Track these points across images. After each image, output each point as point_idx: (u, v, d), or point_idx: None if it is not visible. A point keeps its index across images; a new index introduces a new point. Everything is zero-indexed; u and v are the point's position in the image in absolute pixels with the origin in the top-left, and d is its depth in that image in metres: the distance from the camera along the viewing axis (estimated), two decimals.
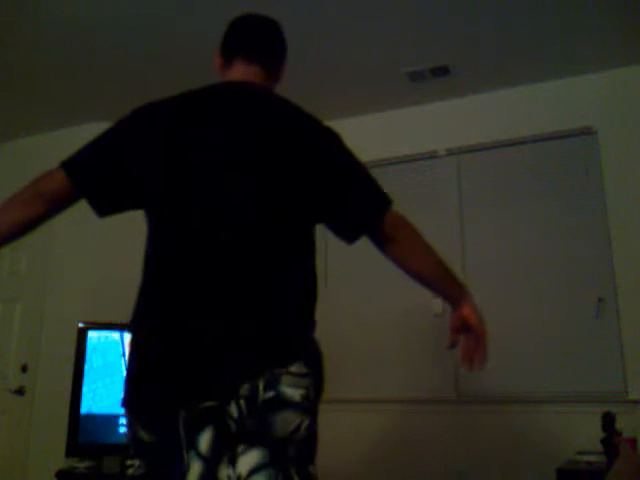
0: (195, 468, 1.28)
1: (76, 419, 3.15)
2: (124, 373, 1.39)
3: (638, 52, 3.39)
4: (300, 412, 1.30)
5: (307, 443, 1.33)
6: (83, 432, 3.15)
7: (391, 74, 3.61)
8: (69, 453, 3.17)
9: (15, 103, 3.98)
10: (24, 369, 4.06)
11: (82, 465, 3.17)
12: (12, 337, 4.20)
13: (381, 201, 1.48)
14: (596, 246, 3.42)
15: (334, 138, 1.50)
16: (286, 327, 1.36)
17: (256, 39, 1.62)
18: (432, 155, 3.91)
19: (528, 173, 3.66)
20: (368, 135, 4.03)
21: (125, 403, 1.39)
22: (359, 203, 1.47)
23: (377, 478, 3.65)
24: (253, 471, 1.26)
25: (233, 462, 1.27)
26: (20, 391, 4.02)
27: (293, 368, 1.31)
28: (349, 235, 1.48)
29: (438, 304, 3.45)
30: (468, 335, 1.48)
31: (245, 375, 1.29)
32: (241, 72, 1.57)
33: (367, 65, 3.53)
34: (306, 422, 1.31)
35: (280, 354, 1.33)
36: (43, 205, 1.41)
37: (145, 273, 1.42)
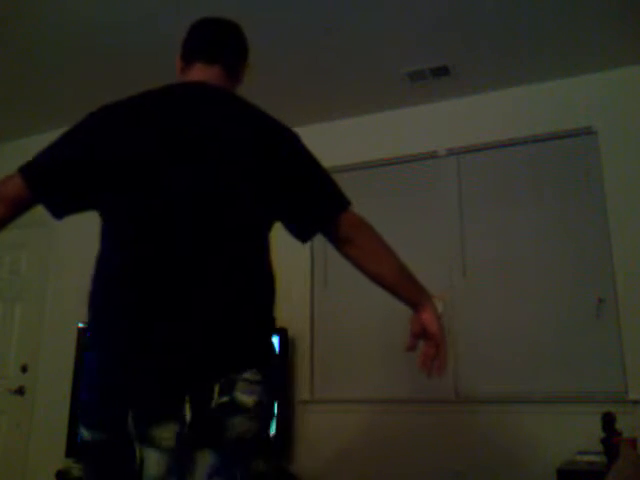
0: (155, 460, 1.29)
1: (76, 419, 3.15)
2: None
3: (638, 52, 3.39)
4: (251, 417, 1.33)
5: (255, 444, 1.36)
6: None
7: (391, 74, 3.61)
8: (69, 453, 3.17)
9: (14, 103, 3.98)
10: (24, 369, 4.06)
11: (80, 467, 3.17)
12: (12, 337, 4.20)
13: (337, 201, 1.48)
14: (596, 246, 3.42)
15: (292, 137, 1.51)
16: (242, 333, 1.37)
17: (215, 41, 1.64)
18: (432, 155, 3.91)
19: (528, 173, 3.66)
20: (368, 135, 4.03)
21: (81, 406, 1.39)
22: (314, 202, 1.47)
23: (374, 479, 3.65)
24: (211, 474, 1.29)
25: (189, 466, 1.30)
26: (20, 391, 4.02)
27: (248, 375, 1.34)
28: (303, 234, 1.49)
29: (439, 304, 3.45)
30: (428, 342, 1.48)
31: (202, 379, 1.31)
32: (200, 73, 1.58)
33: (367, 65, 3.53)
34: (255, 426, 1.34)
35: (236, 360, 1.35)
36: (2, 209, 1.42)
37: (98, 276, 1.42)
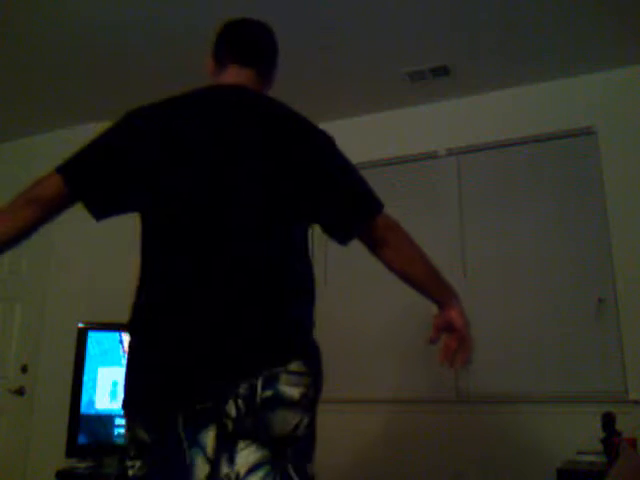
0: (200, 467, 1.29)
1: (76, 419, 3.15)
2: (124, 374, 1.40)
3: (638, 52, 3.39)
4: (299, 411, 1.31)
5: (306, 442, 1.34)
6: (83, 432, 3.15)
7: (391, 74, 3.61)
8: (69, 453, 3.17)
9: (16, 102, 3.98)
10: (24, 369, 4.06)
11: (82, 465, 3.17)
12: (12, 337, 4.20)
13: (373, 204, 1.50)
14: (596, 246, 3.42)
15: (327, 140, 1.52)
16: (285, 327, 1.37)
17: (250, 43, 1.64)
18: (432, 155, 3.91)
19: (528, 173, 3.66)
20: (368, 135, 4.04)
21: (124, 404, 1.40)
22: (351, 205, 1.48)
23: (375, 479, 3.65)
24: (251, 470, 1.27)
25: (232, 460, 1.28)
26: (20, 391, 4.02)
27: (292, 367, 1.32)
28: (341, 237, 1.50)
29: None
30: (451, 335, 1.50)
31: (243, 374, 1.30)
32: (234, 75, 1.59)
33: (367, 65, 3.53)
34: (305, 421, 1.32)
35: (279, 353, 1.34)
36: (39, 211, 1.42)
37: (143, 274, 1.43)
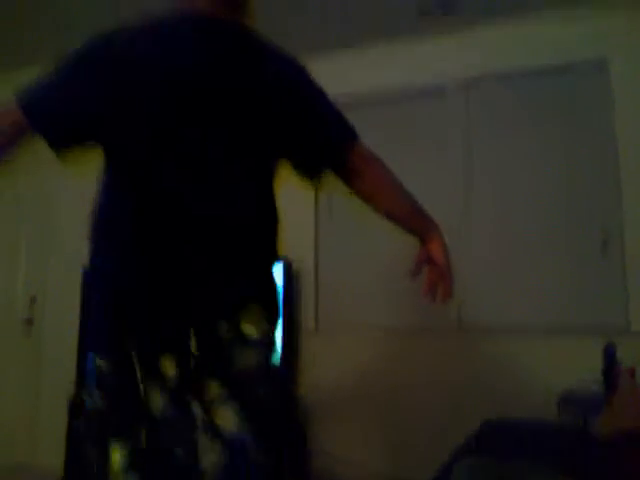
0: (158, 398, 1.32)
1: (85, 349, 3.20)
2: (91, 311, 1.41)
3: None
4: (258, 349, 1.37)
5: (266, 374, 1.40)
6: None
7: (398, 4, 3.49)
8: (80, 383, 3.24)
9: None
10: (33, 301, 4.11)
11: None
12: (19, 269, 4.23)
13: (344, 132, 1.44)
14: (604, 180, 3.38)
15: (300, 70, 1.47)
16: (246, 268, 1.38)
17: None
18: (439, 89, 3.82)
19: (536, 106, 3.59)
20: (373, 68, 3.93)
21: (88, 335, 1.42)
22: (321, 134, 1.43)
23: (372, 408, 3.74)
24: (218, 404, 1.33)
25: (197, 396, 1.34)
26: (29, 322, 4.09)
27: (252, 308, 1.36)
28: (311, 169, 1.47)
29: None
30: (432, 268, 1.48)
31: (204, 311, 1.33)
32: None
33: None
34: (263, 356, 1.38)
35: (240, 295, 1.37)
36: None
37: (105, 209, 1.40)
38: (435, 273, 1.48)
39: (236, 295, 1.37)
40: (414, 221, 1.52)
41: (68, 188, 4.05)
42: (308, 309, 3.96)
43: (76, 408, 3.05)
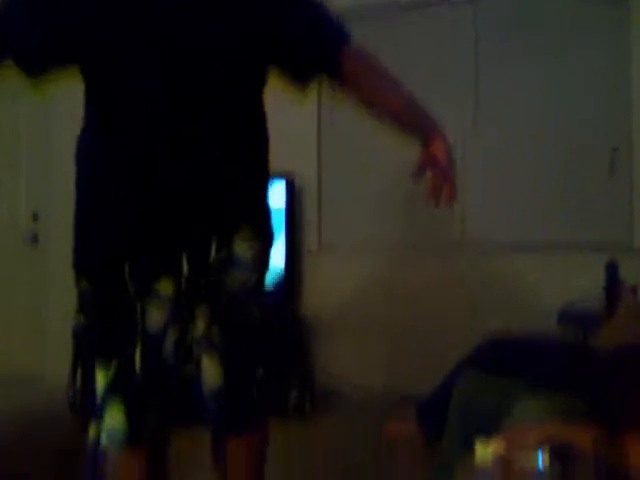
0: (155, 312, 1.32)
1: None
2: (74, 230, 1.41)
3: None
4: (251, 269, 1.37)
5: (255, 292, 1.41)
6: None
7: None
8: None
9: None
10: (35, 217, 4.10)
11: None
12: (20, 186, 4.20)
13: (338, 36, 1.36)
14: (614, 95, 3.30)
15: None
16: (238, 189, 1.37)
17: None
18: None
19: (548, 16, 3.45)
20: None
21: (74, 255, 1.41)
22: (313, 38, 1.35)
23: (375, 326, 3.79)
24: (210, 324, 1.34)
25: (191, 316, 1.35)
26: (34, 239, 4.09)
27: (245, 229, 1.35)
28: (301, 74, 1.39)
29: None
30: (435, 171, 1.41)
31: (198, 234, 1.33)
32: None
33: None
34: (254, 277, 1.38)
35: (232, 216, 1.36)
36: None
37: (95, 131, 1.38)
38: (438, 175, 1.40)
39: (228, 217, 1.36)
40: (416, 121, 1.43)
41: (70, 102, 3.96)
42: (311, 227, 3.95)
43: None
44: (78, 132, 3.94)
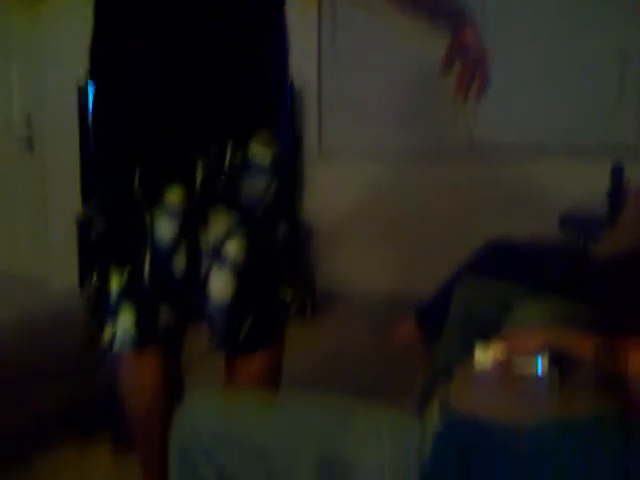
0: (165, 224, 1.29)
1: (89, 169, 3.18)
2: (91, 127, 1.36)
3: None
4: (269, 176, 1.30)
5: (275, 203, 1.34)
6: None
7: None
8: (86, 202, 3.26)
9: None
10: (29, 122, 4.02)
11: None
12: (12, 94, 4.11)
13: None
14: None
15: None
16: (256, 91, 1.30)
17: None
18: None
19: None
20: None
21: (87, 157, 1.39)
22: None
23: (379, 230, 3.79)
24: (225, 235, 1.29)
25: (205, 226, 1.30)
26: (29, 145, 4.04)
27: (262, 132, 1.29)
28: None
29: None
30: (466, 62, 1.31)
31: (212, 136, 1.26)
32: None
33: None
34: (275, 184, 1.32)
35: (249, 118, 1.29)
36: None
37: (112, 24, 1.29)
38: (469, 67, 1.31)
39: (245, 119, 1.29)
40: (444, 7, 1.33)
41: (59, 4, 3.79)
42: (311, 131, 3.88)
43: (84, 230, 3.11)
44: (70, 35, 3.81)
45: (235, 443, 0.87)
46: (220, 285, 1.31)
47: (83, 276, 3.18)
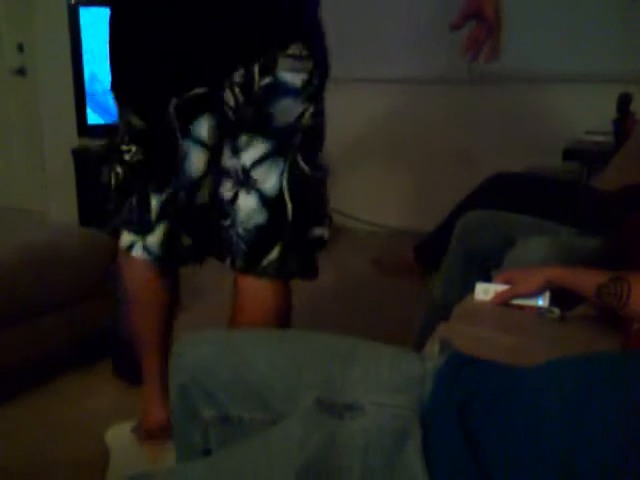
0: (197, 155, 1.27)
1: (82, 100, 3.11)
2: (110, 55, 1.30)
3: None
4: (301, 99, 1.22)
5: (312, 132, 1.27)
6: (94, 112, 3.14)
7: None
8: (81, 133, 3.20)
9: None
10: (20, 48, 3.92)
11: (96, 143, 3.20)
12: (1, 16, 3.98)
13: None
14: None
15: None
16: (283, 6, 1.21)
17: None
18: None
19: None
20: None
21: (114, 86, 1.33)
22: None
23: (383, 162, 3.75)
24: (257, 162, 1.23)
25: (236, 152, 1.24)
26: (21, 72, 3.95)
27: (291, 50, 1.19)
28: None
29: None
30: (480, 23, 1.29)
31: (237, 59, 1.19)
32: None
33: None
34: (310, 110, 1.23)
35: (276, 34, 1.20)
36: None
37: None
38: (482, 29, 1.29)
39: (270, 31, 1.20)
40: None
41: None
42: None
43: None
44: None
45: (236, 384, 0.87)
46: (248, 212, 1.25)
47: (83, 211, 3.16)
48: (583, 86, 3.15)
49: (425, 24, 3.45)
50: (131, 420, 1.58)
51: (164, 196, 1.32)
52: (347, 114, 3.72)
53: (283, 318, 1.34)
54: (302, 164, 1.25)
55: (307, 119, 1.23)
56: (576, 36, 3.17)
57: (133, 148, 1.32)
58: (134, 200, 1.35)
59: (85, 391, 1.94)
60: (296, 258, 1.29)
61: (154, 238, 1.36)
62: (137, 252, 1.39)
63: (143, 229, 1.37)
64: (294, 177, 1.24)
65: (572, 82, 3.17)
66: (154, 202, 1.33)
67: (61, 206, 3.70)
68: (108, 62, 1.32)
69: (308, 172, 1.26)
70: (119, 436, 1.58)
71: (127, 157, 1.34)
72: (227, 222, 1.29)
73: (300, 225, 1.28)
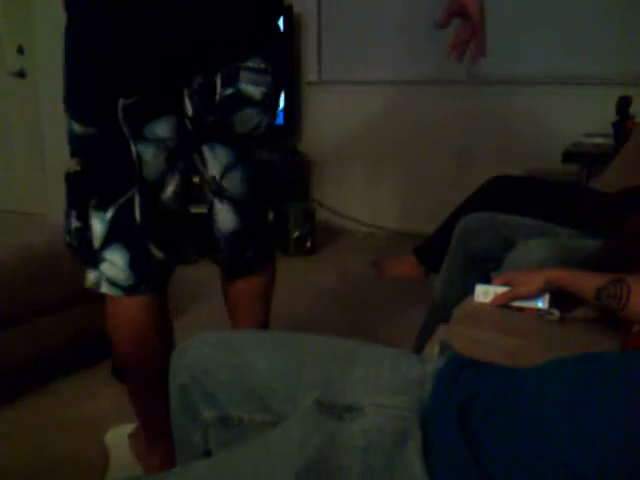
0: (153, 154, 1.21)
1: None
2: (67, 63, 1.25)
3: None
4: (260, 110, 1.27)
5: (265, 138, 1.34)
6: None
7: None
8: None
9: None
10: (20, 50, 3.92)
11: None
12: (2, 17, 3.98)
13: None
14: None
15: None
16: (244, 15, 1.22)
17: None
18: None
19: None
20: None
21: (66, 97, 1.27)
22: None
23: (377, 163, 3.75)
24: (225, 171, 1.30)
25: (204, 164, 1.29)
26: (21, 74, 3.95)
27: (252, 63, 1.23)
28: None
29: None
30: (464, 22, 1.30)
31: (198, 67, 1.20)
32: None
33: None
34: (266, 120, 1.30)
35: (237, 47, 1.22)
36: None
37: None
38: (466, 28, 1.30)
39: (234, 46, 1.22)
40: None
41: None
42: (311, 59, 3.78)
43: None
44: None
45: (236, 384, 0.87)
46: (224, 219, 1.35)
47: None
48: (583, 88, 3.16)
49: (423, 26, 3.44)
50: (131, 422, 1.57)
51: (110, 213, 1.22)
52: (346, 116, 3.73)
53: (272, 289, 1.51)
54: (265, 167, 1.37)
55: (262, 128, 1.30)
56: (576, 38, 3.18)
57: (77, 160, 1.26)
58: (77, 226, 1.26)
59: (84, 392, 1.94)
60: (269, 247, 1.48)
61: (115, 263, 1.24)
62: (105, 289, 1.28)
63: (93, 260, 1.26)
64: (256, 178, 1.35)
65: (572, 84, 3.18)
66: (98, 226, 1.23)
67: (61, 208, 3.70)
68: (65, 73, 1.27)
69: (272, 171, 1.39)
70: (119, 437, 1.58)
71: (73, 170, 1.27)
72: (210, 229, 1.37)
73: (265, 223, 1.43)
